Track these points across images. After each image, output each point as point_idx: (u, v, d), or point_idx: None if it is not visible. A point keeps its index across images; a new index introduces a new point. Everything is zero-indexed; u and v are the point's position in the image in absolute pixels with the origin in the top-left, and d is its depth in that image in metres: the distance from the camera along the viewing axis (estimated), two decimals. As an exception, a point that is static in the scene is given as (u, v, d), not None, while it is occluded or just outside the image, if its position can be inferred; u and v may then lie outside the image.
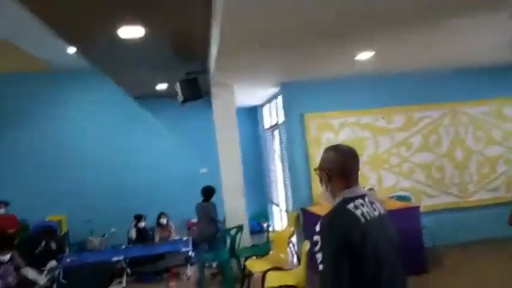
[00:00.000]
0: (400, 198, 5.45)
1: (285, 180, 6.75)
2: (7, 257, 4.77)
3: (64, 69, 7.66)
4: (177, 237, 6.86)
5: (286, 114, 5.79)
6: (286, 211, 6.67)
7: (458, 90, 5.86)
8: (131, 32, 3.62)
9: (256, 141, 8.32)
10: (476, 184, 5.88)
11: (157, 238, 6.80)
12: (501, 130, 5.98)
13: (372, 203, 1.55)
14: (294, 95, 5.55)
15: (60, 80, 7.87)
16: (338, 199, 1.54)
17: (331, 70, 5.00)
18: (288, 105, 5.64)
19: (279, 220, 7.64)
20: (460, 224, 5.71)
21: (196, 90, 5.08)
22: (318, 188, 5.22)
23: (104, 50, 4.12)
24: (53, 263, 5.35)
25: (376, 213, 1.53)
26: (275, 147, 7.22)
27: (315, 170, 1.69)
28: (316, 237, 1.43)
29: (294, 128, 5.55)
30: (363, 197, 1.54)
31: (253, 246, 5.35)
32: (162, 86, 6.64)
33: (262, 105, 8.06)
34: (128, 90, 6.69)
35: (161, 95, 7.64)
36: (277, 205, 7.54)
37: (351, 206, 1.47)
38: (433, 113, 5.82)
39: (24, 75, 7.73)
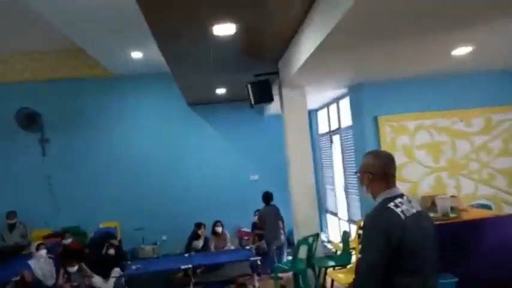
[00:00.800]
0: (481, 206, 5.08)
1: (347, 188, 6.47)
2: (75, 268, 4.83)
3: (122, 75, 7.68)
4: (232, 247, 6.66)
5: (355, 117, 5.54)
6: (350, 220, 6.37)
7: None
8: (221, 29, 3.49)
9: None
10: None
11: (212, 247, 6.62)
12: None
13: (409, 201, 1.76)
14: (365, 96, 5.29)
15: (117, 86, 7.87)
16: (379, 199, 1.77)
17: (419, 67, 4.70)
18: (358, 107, 5.39)
19: (335, 229, 7.34)
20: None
21: (268, 93, 4.91)
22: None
23: (189, 50, 4.02)
24: (117, 270, 5.22)
25: (414, 211, 1.73)
26: (334, 153, 6.96)
27: (355, 173, 1.98)
28: (361, 232, 1.75)
29: (365, 132, 5.28)
30: (401, 196, 1.76)
31: (331, 256, 5.06)
32: (221, 91, 6.52)
33: (316, 110, 7.84)
34: (188, 95, 6.59)
35: (216, 100, 7.55)
36: (335, 214, 7.25)
37: (391, 204, 1.69)
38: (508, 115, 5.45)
39: (87, 80, 7.81)
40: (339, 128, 6.52)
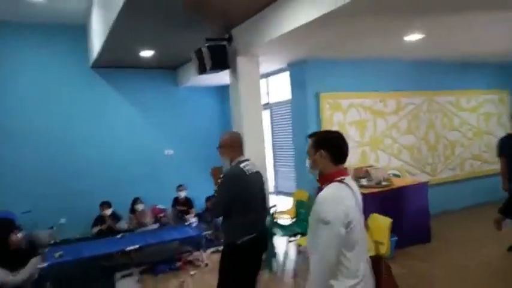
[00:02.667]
0: (393, 175, 5.93)
1: (275, 162, 6.65)
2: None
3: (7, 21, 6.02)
4: (154, 226, 6.13)
5: (295, 93, 5.69)
6: (278, 193, 6.60)
7: (433, 80, 6.66)
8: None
9: (227, 122, 7.91)
10: (443, 164, 6.78)
11: (130, 226, 6.01)
12: (459, 118, 7.00)
13: (253, 164, 2.84)
14: (308, 72, 5.48)
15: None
16: (233, 163, 2.77)
17: (371, 50, 5.05)
18: (300, 83, 5.55)
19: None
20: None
21: (224, 59, 4.59)
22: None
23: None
24: (33, 261, 4.22)
25: (255, 170, 2.81)
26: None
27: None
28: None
29: (307, 107, 5.49)
30: (247, 160, 2.80)
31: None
32: (147, 53, 5.77)
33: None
34: (107, 52, 5.59)
35: (130, 64, 6.66)
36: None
37: (241, 165, 2.73)
38: (415, 100, 6.46)
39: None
40: (268, 103, 6.59)
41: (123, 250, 4.42)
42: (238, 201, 2.65)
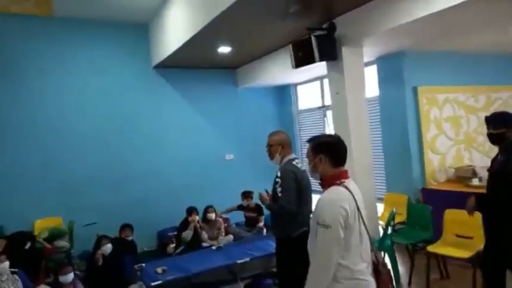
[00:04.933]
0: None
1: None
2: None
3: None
4: (229, 237, 5.62)
5: (386, 88, 5.28)
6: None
7: None
8: None
9: (288, 124, 7.49)
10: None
11: (205, 237, 5.50)
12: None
13: (301, 162, 3.06)
14: (406, 65, 5.08)
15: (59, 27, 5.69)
16: (285, 160, 2.98)
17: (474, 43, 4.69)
18: (395, 77, 5.13)
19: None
20: None
21: (333, 48, 4.20)
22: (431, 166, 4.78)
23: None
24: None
25: (303, 168, 2.92)
26: (327, 128, 6.58)
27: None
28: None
29: (405, 102, 5.07)
30: (296, 159, 3.01)
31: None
32: (224, 49, 5.37)
33: (295, 85, 7.31)
34: (181, 52, 5.21)
35: (192, 65, 6.26)
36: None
37: (293, 162, 2.94)
38: (503, 94, 6.05)
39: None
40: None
41: (234, 263, 3.93)
42: (297, 196, 2.81)
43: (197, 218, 5.46)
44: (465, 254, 3.54)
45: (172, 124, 6.48)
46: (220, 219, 5.85)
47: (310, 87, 7.08)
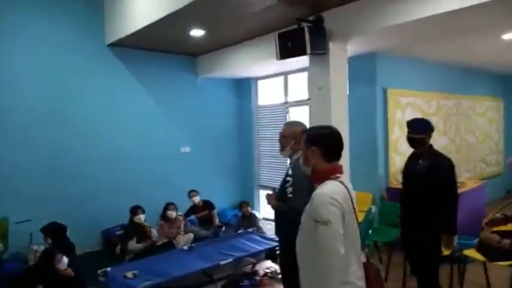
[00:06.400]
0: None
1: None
2: None
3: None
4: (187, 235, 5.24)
5: (356, 87, 5.35)
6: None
7: (463, 85, 6.89)
8: None
9: (246, 119, 7.26)
10: (464, 166, 7.02)
11: (155, 235, 5.06)
12: (475, 122, 7.35)
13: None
14: (379, 66, 5.21)
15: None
16: (297, 156, 2.59)
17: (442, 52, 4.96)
18: (366, 77, 5.24)
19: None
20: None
21: (323, 42, 4.09)
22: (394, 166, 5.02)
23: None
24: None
25: None
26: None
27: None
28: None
29: (375, 102, 5.20)
30: None
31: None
32: (197, 33, 4.96)
33: (256, 79, 7.13)
34: (145, 32, 4.70)
35: (150, 47, 5.72)
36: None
37: None
38: (449, 102, 6.58)
39: None
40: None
41: (217, 265, 3.60)
42: (306, 196, 2.45)
43: (143, 216, 4.97)
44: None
45: (124, 112, 5.84)
46: (181, 218, 5.44)
47: (271, 82, 6.96)
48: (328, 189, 1.72)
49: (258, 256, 4.42)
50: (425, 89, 5.98)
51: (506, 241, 1.99)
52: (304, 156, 1.87)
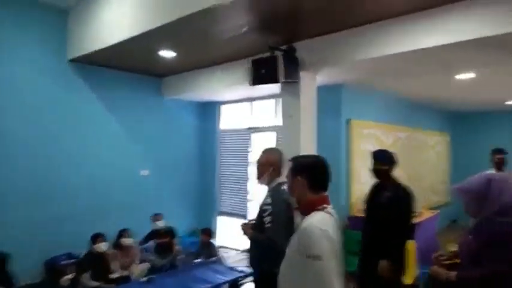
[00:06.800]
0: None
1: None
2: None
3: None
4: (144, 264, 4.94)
5: (323, 117, 5.48)
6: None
7: (414, 118, 7.32)
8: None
9: (209, 143, 7.14)
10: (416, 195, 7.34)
11: (116, 267, 4.72)
12: (426, 154, 7.80)
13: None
14: (344, 97, 5.39)
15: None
16: (274, 184, 2.65)
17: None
18: (331, 107, 5.39)
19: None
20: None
21: (295, 70, 4.16)
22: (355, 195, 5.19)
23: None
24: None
25: None
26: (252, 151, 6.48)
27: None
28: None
29: (339, 133, 5.34)
30: (285, 183, 2.29)
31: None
32: (167, 54, 4.85)
33: (220, 103, 7.08)
34: (111, 50, 4.53)
35: (114, 65, 5.51)
36: (243, 216, 6.61)
37: (283, 187, 2.52)
38: (403, 134, 6.95)
39: None
40: (277, 125, 6.19)
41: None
42: (285, 226, 2.46)
43: (105, 245, 4.62)
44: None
45: (80, 131, 5.49)
46: (137, 246, 5.12)
47: (234, 107, 6.95)
48: (318, 222, 1.67)
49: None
50: (383, 121, 6.26)
51: (453, 273, 2.03)
52: (290, 186, 1.82)
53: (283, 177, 2.73)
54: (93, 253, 4.39)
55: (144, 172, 6.25)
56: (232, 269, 4.33)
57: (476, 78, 5.03)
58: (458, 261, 2.19)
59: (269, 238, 2.46)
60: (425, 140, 7.76)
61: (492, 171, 4.54)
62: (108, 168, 5.74)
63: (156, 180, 6.35)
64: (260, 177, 2.71)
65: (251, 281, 4.70)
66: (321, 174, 1.80)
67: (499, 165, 4.60)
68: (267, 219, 2.50)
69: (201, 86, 5.67)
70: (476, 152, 7.76)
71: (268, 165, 2.68)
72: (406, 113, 7.03)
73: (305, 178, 1.76)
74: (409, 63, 4.27)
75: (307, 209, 1.75)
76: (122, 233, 4.94)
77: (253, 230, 2.63)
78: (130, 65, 5.57)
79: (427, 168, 7.85)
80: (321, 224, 1.67)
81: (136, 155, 6.12)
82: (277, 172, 2.69)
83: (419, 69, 4.60)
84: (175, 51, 4.79)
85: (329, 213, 1.74)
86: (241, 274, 4.18)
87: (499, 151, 4.67)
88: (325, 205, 1.75)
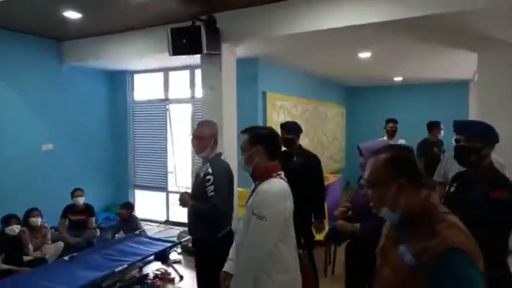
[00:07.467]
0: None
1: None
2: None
3: None
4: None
5: (240, 89, 5.65)
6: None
7: (320, 92, 7.96)
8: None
9: (121, 114, 6.78)
10: (320, 162, 8.12)
11: (31, 250, 4.41)
12: (326, 125, 8.59)
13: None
14: (260, 70, 5.60)
15: None
16: (212, 155, 2.73)
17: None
18: (249, 80, 5.57)
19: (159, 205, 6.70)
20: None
21: (217, 42, 4.21)
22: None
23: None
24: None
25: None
26: (169, 123, 6.38)
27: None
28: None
29: (256, 105, 5.59)
30: (222, 154, 2.84)
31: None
32: (72, 15, 4.40)
33: (132, 72, 6.74)
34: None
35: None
36: (163, 189, 6.51)
37: (222, 157, 2.79)
38: (310, 107, 7.54)
39: None
40: (193, 97, 6.18)
41: (113, 273, 3.30)
42: (228, 192, 2.69)
43: (18, 227, 4.25)
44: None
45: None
46: (46, 225, 4.77)
47: (149, 77, 6.70)
48: (276, 190, 1.82)
49: (145, 259, 4.25)
50: (293, 94, 6.71)
51: (357, 225, 2.26)
52: (248, 155, 1.93)
53: (219, 148, 2.90)
54: (5, 235, 3.99)
55: (47, 146, 5.72)
56: (158, 240, 4.35)
57: (372, 57, 5.68)
58: (349, 214, 2.45)
59: (214, 206, 2.53)
60: (326, 112, 8.53)
61: (384, 139, 5.27)
62: (6, 143, 5.12)
63: (63, 155, 5.88)
64: (202, 150, 2.73)
65: (178, 253, 4.81)
66: (275, 144, 1.97)
67: (391, 133, 5.31)
68: (210, 188, 2.57)
69: (110, 52, 5.33)
70: (369, 123, 8.83)
71: (210, 138, 2.74)
72: (312, 87, 7.61)
73: (264, 147, 1.90)
74: (319, 42, 4.62)
75: (264, 175, 1.88)
76: (29, 213, 4.54)
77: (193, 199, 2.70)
78: (23, 25, 4.92)
79: (328, 137, 8.68)
80: (279, 190, 1.82)
81: (37, 127, 5.55)
82: (216, 144, 2.80)
83: (327, 48, 5.02)
84: (80, 13, 4.39)
85: (283, 179, 1.89)
86: (168, 244, 4.23)
87: (391, 121, 5.36)
88: (279, 172, 1.91)
